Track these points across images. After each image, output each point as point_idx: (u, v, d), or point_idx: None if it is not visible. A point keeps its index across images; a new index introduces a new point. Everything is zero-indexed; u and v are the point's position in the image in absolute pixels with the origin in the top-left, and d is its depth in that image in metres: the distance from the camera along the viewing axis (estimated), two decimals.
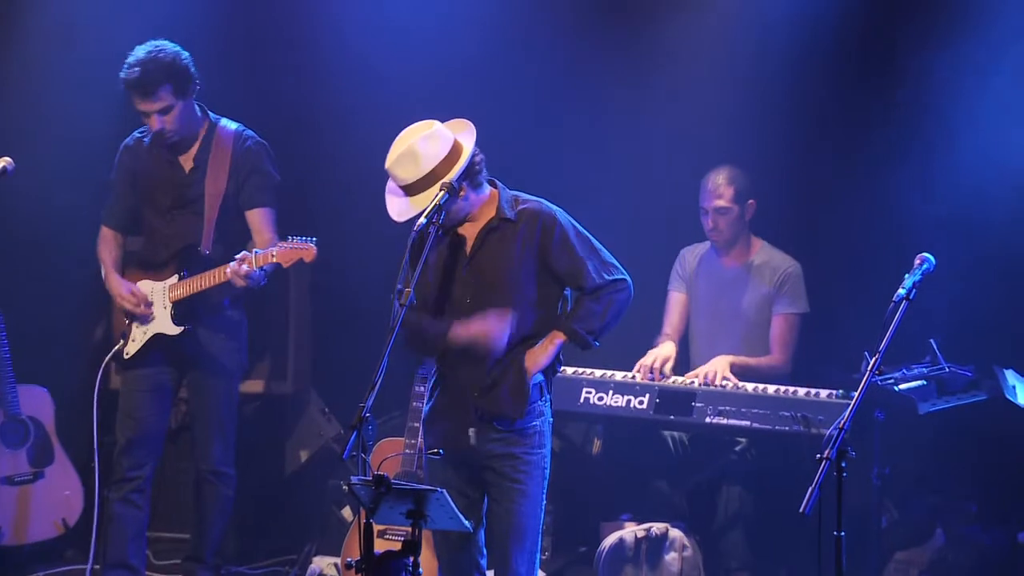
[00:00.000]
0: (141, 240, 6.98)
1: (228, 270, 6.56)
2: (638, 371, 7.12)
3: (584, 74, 8.15)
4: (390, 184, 5.51)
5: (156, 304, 6.76)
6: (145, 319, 6.75)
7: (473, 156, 5.47)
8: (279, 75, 8.50)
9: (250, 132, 6.88)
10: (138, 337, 6.79)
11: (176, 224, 6.79)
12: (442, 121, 5.53)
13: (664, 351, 7.24)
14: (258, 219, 6.84)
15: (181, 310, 6.74)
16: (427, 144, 5.41)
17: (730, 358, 7.12)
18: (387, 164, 5.44)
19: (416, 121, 5.52)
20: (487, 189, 5.63)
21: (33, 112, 7.98)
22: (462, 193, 5.47)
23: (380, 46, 8.16)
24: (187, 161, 6.77)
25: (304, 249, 6.58)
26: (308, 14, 8.37)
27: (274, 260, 6.58)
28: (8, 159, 6.52)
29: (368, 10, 8.24)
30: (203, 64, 7.82)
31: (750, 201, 7.39)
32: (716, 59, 7.94)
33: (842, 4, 7.68)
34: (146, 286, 6.79)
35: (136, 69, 6.51)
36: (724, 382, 6.96)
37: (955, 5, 7.47)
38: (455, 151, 5.44)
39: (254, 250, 6.60)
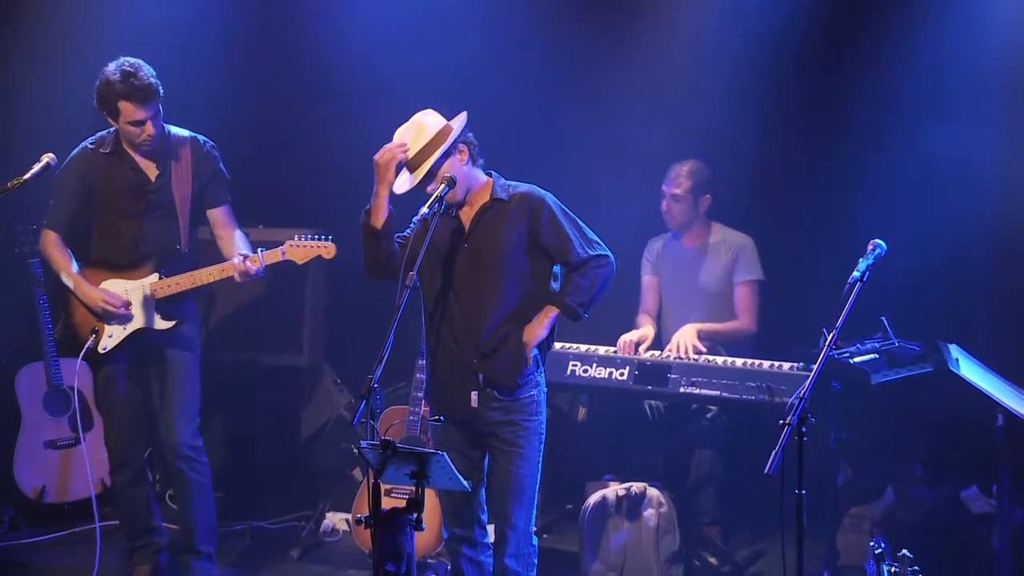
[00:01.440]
0: (97, 240, 6.65)
1: (235, 270, 6.45)
2: (622, 346, 7.12)
3: (570, 74, 8.15)
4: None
5: (135, 301, 6.54)
6: (125, 318, 6.53)
7: (465, 129, 5.62)
8: (289, 74, 8.47)
9: (202, 136, 6.68)
10: (116, 333, 6.55)
11: (146, 227, 6.55)
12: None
13: (644, 332, 7.25)
14: (222, 216, 6.69)
15: (165, 304, 6.57)
16: (428, 118, 5.61)
17: (697, 326, 7.14)
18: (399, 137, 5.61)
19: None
20: (483, 177, 5.72)
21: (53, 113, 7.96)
22: (463, 158, 5.61)
23: (384, 46, 8.15)
24: (150, 169, 6.53)
25: (323, 247, 6.54)
26: (312, 14, 8.36)
27: (285, 259, 6.52)
28: (51, 155, 6.46)
29: (371, 10, 8.23)
30: (213, 62, 7.85)
31: (706, 195, 7.42)
32: (692, 58, 7.96)
33: (808, 8, 7.69)
34: (117, 285, 6.55)
35: (132, 80, 6.27)
36: (695, 356, 6.96)
37: (912, 5, 7.50)
38: (447, 127, 5.61)
39: (259, 249, 6.49)
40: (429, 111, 5.67)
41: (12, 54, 8.16)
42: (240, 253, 6.50)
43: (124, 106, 6.34)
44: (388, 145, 5.58)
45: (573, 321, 5.73)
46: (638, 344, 7.12)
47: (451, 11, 8.12)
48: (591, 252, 5.66)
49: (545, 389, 5.78)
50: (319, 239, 6.55)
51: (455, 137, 5.59)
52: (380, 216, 5.60)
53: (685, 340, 7.04)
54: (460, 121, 5.65)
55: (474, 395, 5.63)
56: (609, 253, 5.72)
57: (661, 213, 7.50)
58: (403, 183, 5.62)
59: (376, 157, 5.57)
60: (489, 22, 8.09)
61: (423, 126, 5.60)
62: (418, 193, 5.63)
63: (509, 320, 5.63)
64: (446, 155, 5.57)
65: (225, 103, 7.97)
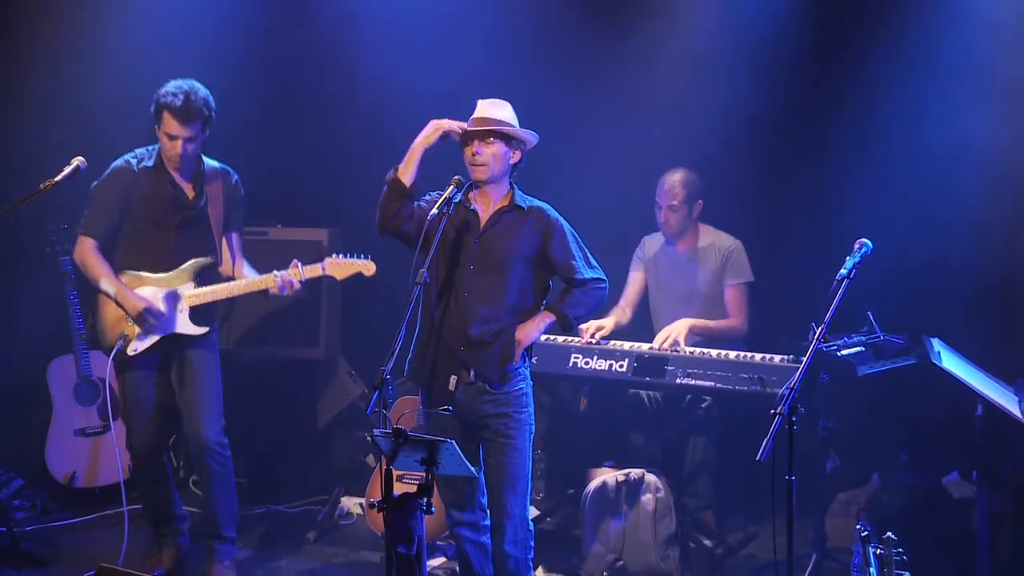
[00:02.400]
0: (128, 247, 6.63)
1: (275, 283, 6.47)
2: (582, 330, 7.09)
3: (567, 77, 8.14)
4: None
5: (168, 307, 6.54)
6: (158, 329, 6.52)
7: (528, 141, 5.75)
8: (307, 75, 8.47)
9: (230, 167, 6.73)
10: (148, 337, 6.53)
11: (182, 239, 6.56)
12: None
13: (604, 321, 7.23)
14: (236, 241, 6.74)
15: (198, 311, 6.58)
16: (510, 108, 5.77)
17: (691, 321, 7.11)
18: (481, 103, 5.74)
19: (430, 117, 5.75)
20: (507, 186, 5.78)
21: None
22: (514, 158, 5.73)
23: (400, 47, 8.17)
24: (188, 189, 6.57)
25: (364, 265, 6.55)
26: (332, 16, 8.37)
27: (325, 274, 6.54)
28: (81, 158, 6.44)
29: (390, 14, 8.25)
30: (234, 65, 7.82)
31: (699, 202, 7.40)
32: (683, 65, 7.95)
33: (799, 14, 7.70)
34: (153, 291, 6.55)
35: (181, 96, 6.34)
36: (691, 349, 6.96)
37: (899, 15, 7.49)
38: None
39: (298, 264, 6.51)
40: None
41: (43, 58, 8.15)
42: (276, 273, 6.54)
43: (167, 117, 6.39)
44: (450, 120, 5.69)
45: (564, 330, 5.81)
46: (594, 333, 7.10)
47: (464, 16, 8.13)
48: (592, 275, 5.78)
49: (531, 381, 5.82)
50: (359, 257, 6.56)
51: (527, 137, 5.72)
52: (410, 173, 5.67)
53: (671, 336, 7.00)
54: (532, 135, 5.76)
55: (453, 379, 5.66)
56: (606, 278, 5.85)
57: (658, 225, 7.48)
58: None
59: (434, 120, 5.67)
60: (496, 24, 8.12)
61: (506, 106, 5.75)
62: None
63: (501, 319, 5.68)
64: (510, 139, 5.67)
65: (244, 105, 7.97)
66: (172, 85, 6.41)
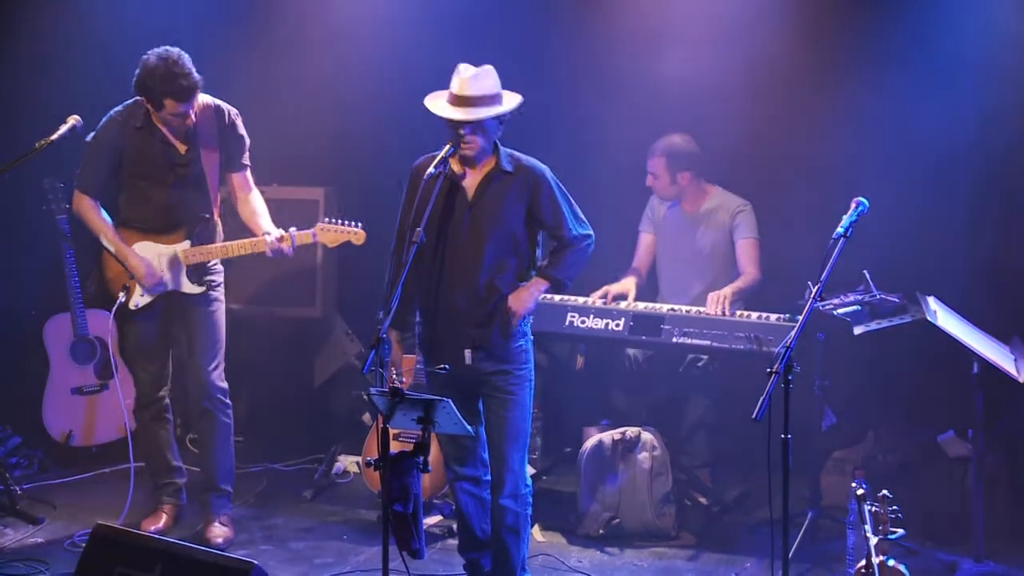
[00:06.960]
0: (125, 204, 6.62)
1: (267, 247, 6.46)
2: (603, 293, 7.09)
3: (577, 43, 8.09)
4: (434, 100, 5.57)
5: (167, 265, 6.54)
6: (158, 287, 6.54)
7: (512, 110, 5.58)
8: (304, 34, 8.37)
9: (225, 104, 6.61)
10: (148, 293, 6.56)
11: (176, 195, 6.51)
12: None
13: (623, 286, 7.21)
14: (241, 179, 6.67)
15: (196, 270, 6.57)
16: (494, 75, 5.56)
17: (727, 289, 7.01)
18: (461, 75, 5.51)
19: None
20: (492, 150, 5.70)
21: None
22: (500, 131, 5.61)
23: (397, 16, 8.09)
24: (180, 143, 6.49)
25: (354, 233, 6.52)
26: None
27: (317, 242, 6.53)
28: (76, 117, 6.45)
29: None
30: (229, 25, 7.77)
31: (682, 173, 7.31)
32: (689, 29, 7.86)
33: None
34: (150, 248, 6.53)
35: (182, 80, 6.20)
36: (688, 308, 6.94)
37: None
38: (510, 96, 5.59)
39: (292, 229, 6.47)
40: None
41: (39, 18, 8.10)
42: (266, 232, 6.50)
43: (169, 103, 6.29)
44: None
45: (556, 293, 5.81)
46: (621, 298, 7.08)
47: None
48: (580, 231, 5.73)
49: (531, 337, 5.80)
50: (350, 224, 6.54)
51: (512, 109, 5.57)
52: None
53: (721, 297, 6.88)
54: (517, 100, 5.60)
55: (468, 353, 5.63)
56: (592, 232, 5.78)
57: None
58: (442, 108, 5.53)
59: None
60: None
61: (490, 75, 5.55)
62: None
63: (505, 287, 5.65)
64: (499, 119, 5.56)
65: (241, 63, 7.93)
66: (156, 66, 6.22)
